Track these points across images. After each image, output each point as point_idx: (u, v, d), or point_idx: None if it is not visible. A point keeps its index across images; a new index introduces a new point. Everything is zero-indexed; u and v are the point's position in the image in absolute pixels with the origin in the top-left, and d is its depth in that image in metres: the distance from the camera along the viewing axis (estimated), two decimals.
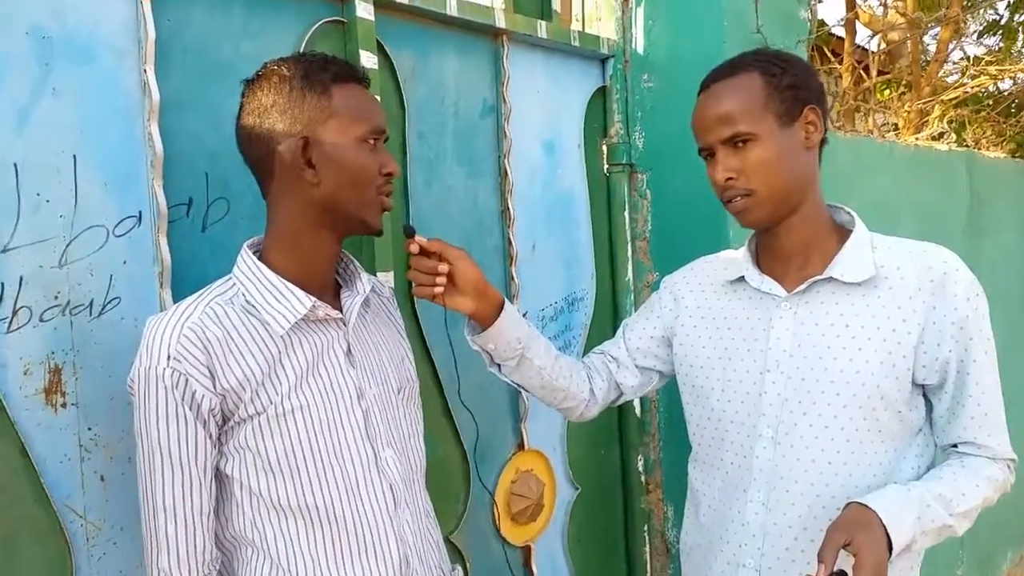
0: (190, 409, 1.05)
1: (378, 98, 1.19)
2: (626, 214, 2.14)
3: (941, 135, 4.04)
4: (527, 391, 1.48)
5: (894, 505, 1.14)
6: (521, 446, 1.90)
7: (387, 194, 1.17)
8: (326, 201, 1.12)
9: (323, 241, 1.16)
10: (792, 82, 1.24)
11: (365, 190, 1.14)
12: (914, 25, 4.49)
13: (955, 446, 1.28)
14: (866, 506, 1.13)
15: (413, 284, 1.31)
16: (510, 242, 1.86)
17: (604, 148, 2.14)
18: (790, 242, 1.30)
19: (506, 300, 1.37)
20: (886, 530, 1.10)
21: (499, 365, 1.43)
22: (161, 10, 1.25)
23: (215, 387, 1.05)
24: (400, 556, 1.17)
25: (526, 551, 1.93)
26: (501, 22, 1.80)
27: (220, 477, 1.11)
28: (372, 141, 1.14)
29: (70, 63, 1.16)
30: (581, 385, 1.48)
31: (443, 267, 1.27)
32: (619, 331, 1.58)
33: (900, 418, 1.25)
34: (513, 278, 1.86)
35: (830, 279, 1.27)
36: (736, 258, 1.40)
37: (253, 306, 1.11)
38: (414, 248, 1.27)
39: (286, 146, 1.10)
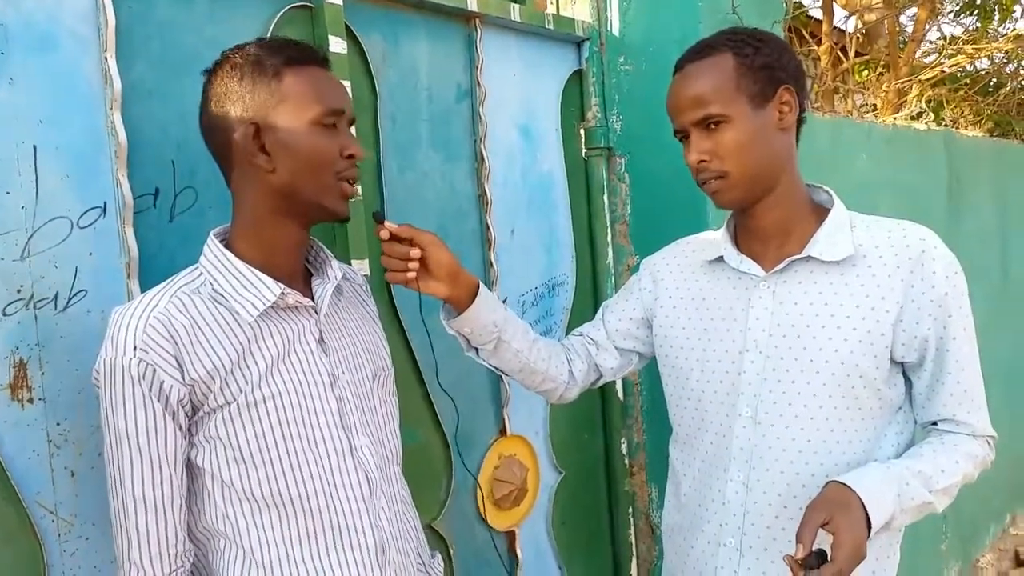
0: (158, 400, 1.03)
1: (344, 82, 1.16)
2: (605, 198, 2.13)
3: (919, 115, 4.06)
4: (506, 375, 1.47)
5: (873, 483, 1.14)
6: (503, 431, 1.90)
7: (350, 179, 1.14)
8: (284, 188, 1.10)
9: (287, 229, 1.14)
10: (765, 62, 1.23)
11: (322, 175, 1.11)
12: (890, 5, 4.50)
13: (935, 423, 1.28)
14: (845, 485, 1.13)
15: (386, 270, 1.29)
16: (488, 227, 1.85)
17: (582, 132, 2.13)
18: (768, 222, 1.30)
19: (481, 284, 1.36)
20: (865, 508, 1.10)
21: (476, 349, 1.42)
22: None
23: (183, 377, 1.04)
24: (377, 544, 1.16)
25: (510, 536, 1.92)
26: (473, 5, 1.77)
27: (191, 468, 1.10)
28: (329, 124, 1.11)
29: (27, 51, 1.13)
30: (560, 368, 1.48)
31: (415, 252, 1.25)
32: (599, 313, 1.58)
33: (879, 396, 1.25)
34: (492, 264, 1.85)
35: (808, 258, 1.27)
36: (715, 239, 1.40)
37: (221, 295, 1.09)
38: (384, 234, 1.25)
39: (240, 133, 1.08)
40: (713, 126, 1.23)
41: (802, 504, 1.24)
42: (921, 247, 1.24)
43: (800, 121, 1.30)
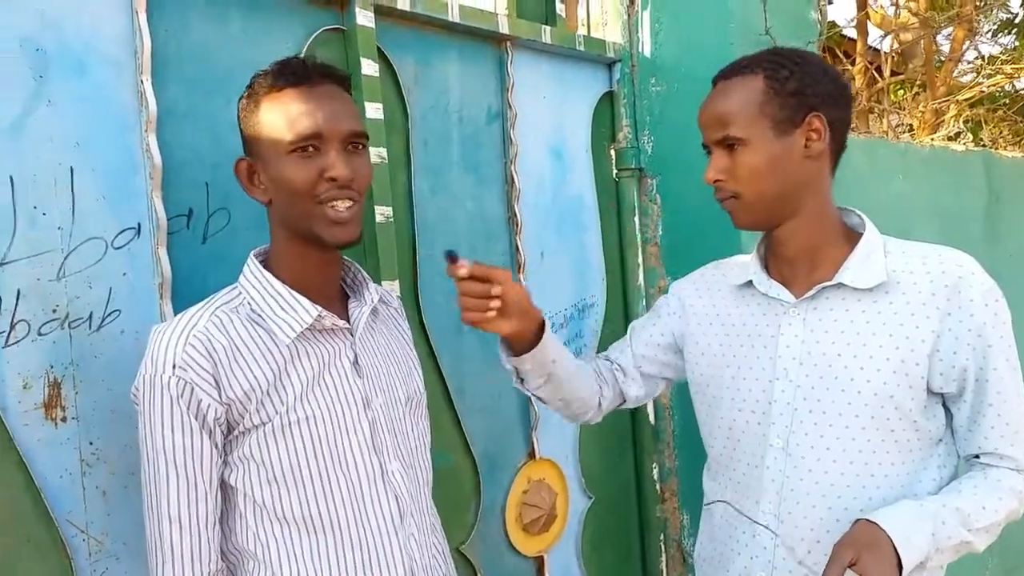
0: (195, 418, 1.03)
1: (342, 97, 1.11)
2: (636, 219, 2.11)
3: (957, 135, 3.98)
4: (544, 403, 1.45)
5: (905, 522, 1.10)
6: (532, 455, 1.87)
7: (330, 201, 1.07)
8: (283, 218, 1.12)
9: (308, 253, 1.13)
10: (797, 87, 1.20)
11: (301, 203, 1.08)
12: (927, 25, 4.44)
13: (977, 456, 1.23)
14: (874, 523, 1.09)
15: (462, 310, 1.22)
16: (518, 249, 1.84)
17: (612, 153, 2.12)
18: (795, 246, 1.26)
19: (546, 319, 1.32)
20: (895, 548, 1.06)
21: (521, 380, 1.40)
22: (158, 20, 1.25)
23: (220, 396, 1.04)
24: (406, 570, 1.15)
25: (539, 562, 1.89)
26: (504, 28, 1.78)
27: (224, 488, 1.09)
28: (307, 148, 1.06)
29: (65, 75, 1.15)
30: (593, 398, 1.46)
31: (496, 290, 1.19)
32: (627, 334, 1.55)
33: (916, 428, 1.20)
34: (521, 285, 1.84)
35: (840, 285, 1.24)
36: (745, 263, 1.37)
37: (259, 315, 1.09)
38: (463, 272, 1.18)
39: (237, 167, 1.12)
40: (732, 147, 1.22)
41: (836, 539, 1.20)
42: (958, 273, 1.19)
43: (839, 146, 1.26)
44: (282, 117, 1.07)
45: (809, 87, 1.20)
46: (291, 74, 1.08)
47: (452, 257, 1.19)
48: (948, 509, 1.14)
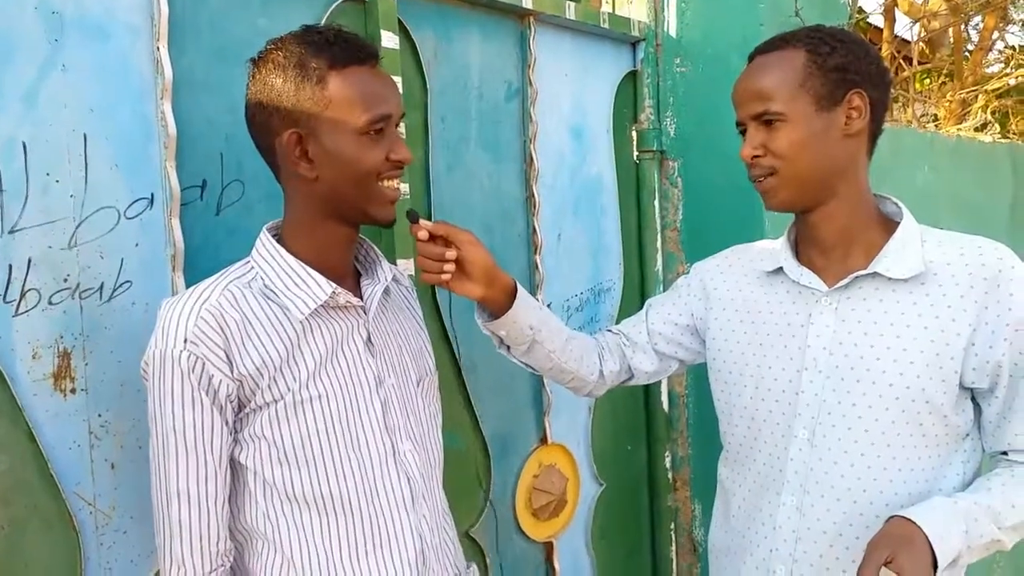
0: (206, 394, 1.01)
1: (392, 77, 1.12)
2: (656, 202, 2.08)
3: (984, 126, 3.91)
4: (534, 370, 1.43)
5: (939, 519, 1.07)
6: (544, 440, 1.85)
7: (394, 182, 1.10)
8: (328, 195, 1.08)
9: (335, 230, 1.11)
10: (840, 63, 1.16)
11: (366, 184, 1.07)
12: (956, 12, 4.35)
13: (1004, 453, 1.20)
14: (910, 520, 1.06)
15: (419, 270, 1.25)
16: (535, 230, 1.81)
17: (634, 134, 2.08)
18: (829, 231, 1.23)
19: (519, 285, 1.31)
20: (931, 546, 1.04)
21: (507, 347, 1.39)
22: None
23: (232, 372, 1.02)
24: (417, 552, 1.13)
25: (548, 547, 1.88)
26: (528, 3, 1.74)
27: (234, 466, 1.08)
28: (376, 130, 1.06)
29: (80, 40, 1.12)
30: (591, 368, 1.44)
31: (451, 253, 1.20)
32: (643, 310, 1.52)
33: (945, 422, 1.18)
34: (537, 267, 1.81)
35: (874, 274, 1.20)
36: (774, 248, 1.34)
37: (272, 290, 1.07)
38: (422, 235, 1.21)
39: (283, 140, 1.06)
40: (771, 123, 1.18)
41: (858, 534, 1.18)
42: (998, 266, 1.16)
43: (877, 128, 1.23)
44: (357, 95, 1.04)
45: (851, 64, 1.17)
46: (359, 51, 1.06)
47: (413, 217, 1.20)
48: (980, 507, 1.12)
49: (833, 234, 1.23)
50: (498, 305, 1.29)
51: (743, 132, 1.24)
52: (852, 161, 1.21)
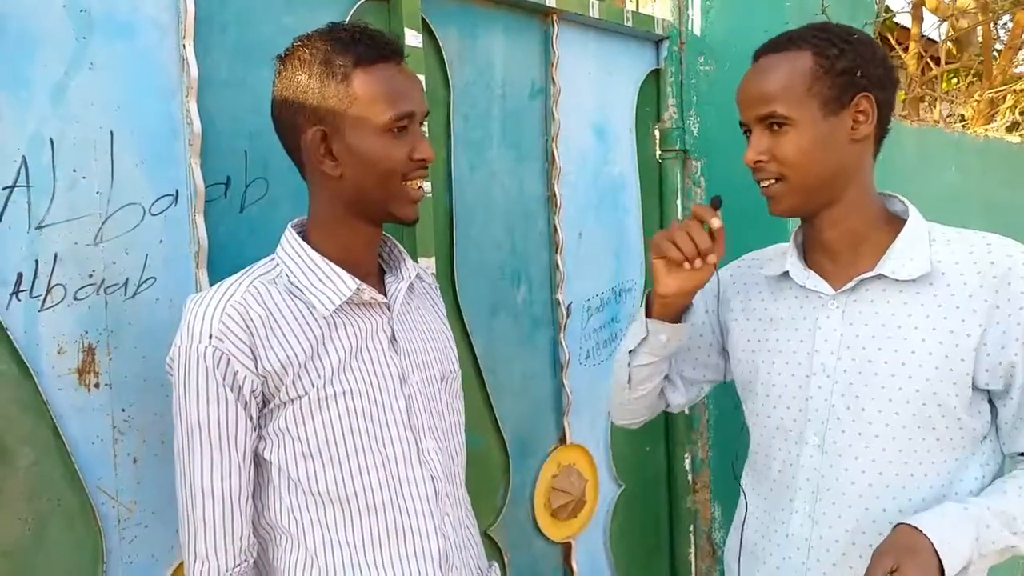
0: (231, 390, 1.02)
1: (416, 75, 1.12)
2: (679, 202, 2.06)
3: (1013, 126, 3.85)
4: (631, 391, 1.38)
5: (947, 526, 1.05)
6: (563, 440, 1.85)
7: (414, 180, 1.10)
8: (352, 193, 1.08)
9: (359, 227, 1.11)
10: (848, 66, 1.13)
11: (390, 183, 1.07)
12: (985, 11, 4.28)
13: (1022, 455, 1.18)
14: (916, 528, 1.04)
15: (665, 245, 1.18)
16: (556, 229, 1.80)
17: (657, 133, 2.07)
18: (835, 236, 1.21)
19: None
20: (937, 555, 1.01)
21: (631, 351, 1.34)
22: None
23: (257, 368, 1.02)
24: (440, 551, 1.13)
25: (566, 548, 1.87)
26: (551, 1, 1.73)
27: (258, 462, 1.08)
28: (399, 127, 1.06)
29: (108, 38, 1.13)
30: (659, 405, 1.45)
31: (712, 258, 1.18)
32: None
33: (960, 425, 1.15)
34: (558, 267, 1.80)
35: (881, 276, 1.18)
36: (781, 253, 1.32)
37: (297, 287, 1.08)
38: (717, 224, 1.18)
39: (307, 137, 1.06)
40: (776, 127, 1.15)
41: (872, 541, 1.15)
42: (1008, 264, 1.12)
43: (883, 130, 1.20)
44: (382, 93, 1.04)
45: (859, 67, 1.14)
46: (384, 48, 1.06)
47: (717, 203, 1.20)
48: (992, 512, 1.09)
49: (839, 237, 1.21)
50: (676, 312, 1.27)
51: (747, 133, 1.21)
52: (858, 165, 1.18)
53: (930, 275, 1.15)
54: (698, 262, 1.18)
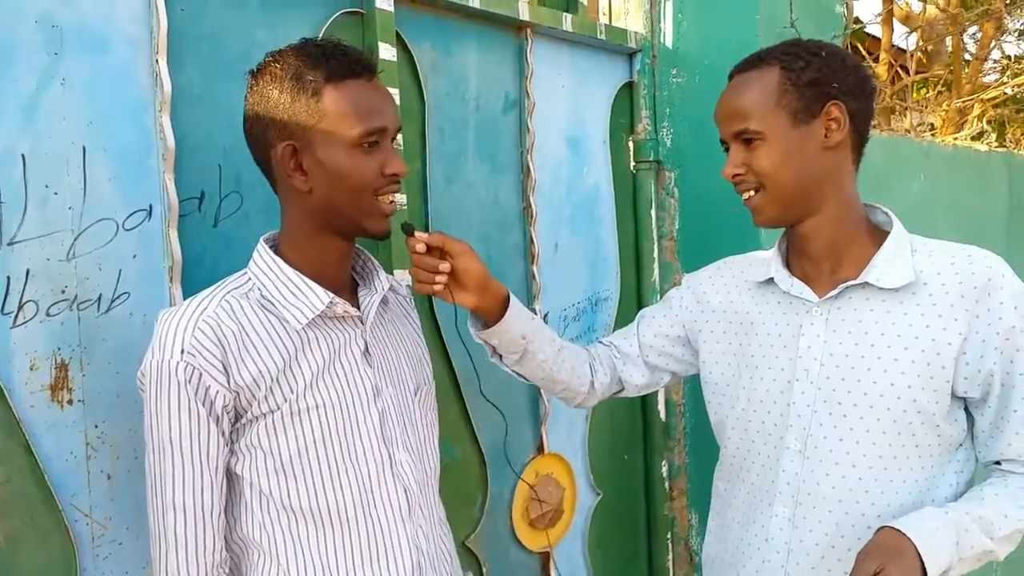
0: (203, 405, 1.01)
1: (392, 90, 1.13)
2: (653, 213, 2.09)
3: (980, 135, 3.92)
4: (525, 380, 1.44)
5: (930, 530, 1.08)
6: (541, 449, 1.86)
7: (386, 195, 1.10)
8: (322, 208, 1.08)
9: (330, 242, 1.12)
10: (814, 77, 1.18)
11: (360, 197, 1.08)
12: (955, 22, 4.36)
13: (998, 463, 1.21)
14: (899, 531, 1.07)
15: (413, 280, 1.25)
16: (532, 240, 1.81)
17: (631, 144, 2.09)
18: (818, 243, 1.24)
19: (511, 295, 1.32)
20: (920, 557, 1.04)
21: (500, 356, 1.39)
22: None
23: (229, 383, 1.02)
24: (413, 563, 1.13)
25: (544, 557, 1.88)
26: (525, 15, 1.75)
27: (230, 476, 1.08)
28: (370, 143, 1.07)
29: (80, 53, 1.13)
30: (582, 379, 1.44)
31: (444, 266, 1.21)
32: (634, 322, 1.52)
33: (938, 433, 1.18)
34: (535, 277, 1.82)
35: (865, 284, 1.21)
36: (765, 259, 1.34)
37: (270, 301, 1.08)
38: (419, 247, 1.21)
39: (277, 151, 1.06)
40: (750, 141, 1.20)
41: (851, 545, 1.18)
42: (988, 275, 1.16)
43: (861, 138, 1.24)
44: (352, 108, 1.05)
45: (827, 77, 1.18)
46: (355, 64, 1.06)
47: (408, 230, 1.21)
48: (971, 517, 1.12)
49: (822, 245, 1.24)
50: (491, 314, 1.30)
51: (726, 148, 1.26)
52: (836, 172, 1.21)
53: (913, 285, 1.19)
54: (441, 277, 1.21)
